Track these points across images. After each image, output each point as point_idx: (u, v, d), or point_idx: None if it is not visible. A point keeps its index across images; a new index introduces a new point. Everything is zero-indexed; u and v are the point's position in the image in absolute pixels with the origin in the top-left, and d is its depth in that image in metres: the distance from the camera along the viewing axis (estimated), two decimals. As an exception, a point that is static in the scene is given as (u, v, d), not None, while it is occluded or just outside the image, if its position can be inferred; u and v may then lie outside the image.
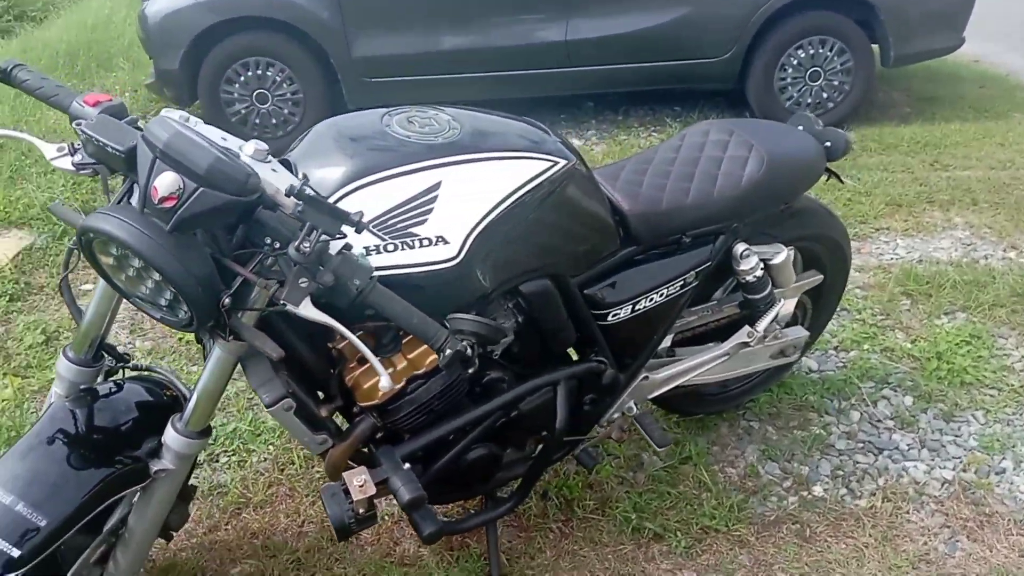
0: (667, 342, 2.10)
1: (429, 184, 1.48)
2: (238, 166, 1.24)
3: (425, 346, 1.60)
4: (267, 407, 1.48)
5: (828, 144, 2.08)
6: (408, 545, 2.08)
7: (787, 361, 2.33)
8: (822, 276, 2.29)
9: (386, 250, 1.45)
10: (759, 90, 4.85)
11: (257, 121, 4.78)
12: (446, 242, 1.49)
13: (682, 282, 1.92)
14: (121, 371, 1.71)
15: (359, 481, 1.55)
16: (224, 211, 1.26)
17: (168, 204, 1.24)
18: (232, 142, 1.40)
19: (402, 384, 1.61)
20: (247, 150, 1.38)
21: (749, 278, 2.02)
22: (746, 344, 2.12)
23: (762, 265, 2.03)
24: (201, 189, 1.23)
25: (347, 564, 2.04)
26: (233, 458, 2.38)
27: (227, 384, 1.54)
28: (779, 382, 2.59)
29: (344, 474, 1.57)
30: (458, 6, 4.67)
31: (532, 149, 1.62)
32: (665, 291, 1.90)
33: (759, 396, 2.55)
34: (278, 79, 4.69)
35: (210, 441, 2.37)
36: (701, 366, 2.12)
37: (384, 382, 1.38)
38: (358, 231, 1.31)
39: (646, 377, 2.05)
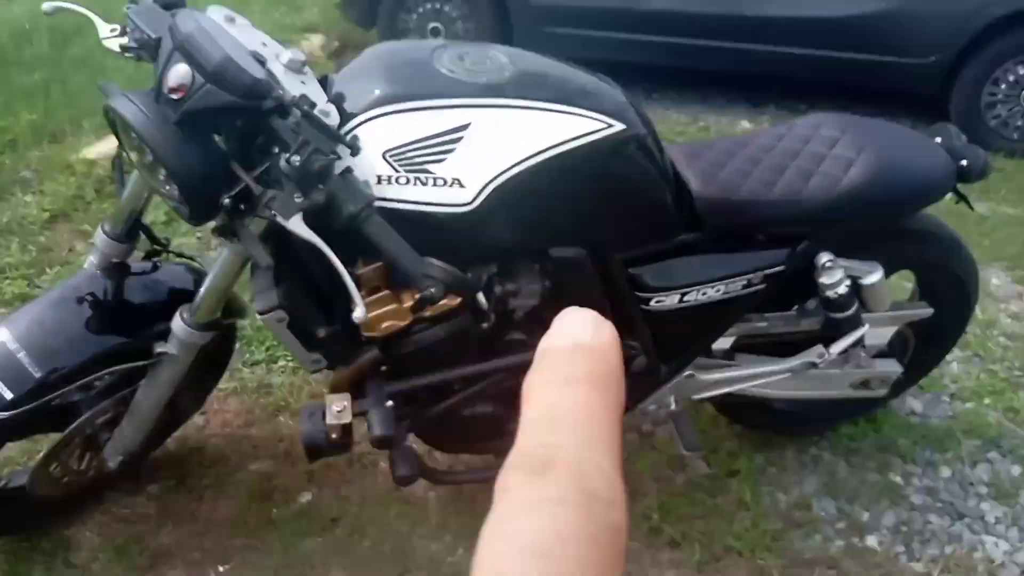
0: (725, 343, 1.92)
1: (457, 123, 1.40)
2: (246, 70, 1.22)
3: (435, 289, 1.54)
4: (258, 314, 1.48)
5: (964, 163, 1.79)
6: (419, 485, 2.06)
7: (871, 395, 2.07)
8: (931, 310, 2.01)
9: (398, 182, 1.39)
10: (963, 102, 4.25)
11: (426, 55, 4.79)
12: (462, 186, 1.40)
13: (745, 282, 1.73)
14: (165, 255, 1.77)
15: (338, 407, 1.52)
16: (229, 111, 1.26)
17: (177, 96, 1.25)
18: (271, 48, 1.39)
19: (408, 322, 1.57)
20: (283, 58, 1.36)
21: (830, 293, 1.80)
22: (814, 365, 1.90)
23: (848, 282, 1.79)
24: (208, 86, 1.23)
25: (354, 487, 2.05)
26: (290, 363, 2.44)
27: (233, 283, 1.55)
28: (868, 415, 2.32)
29: (327, 396, 1.55)
30: (645, -37, 4.44)
31: (586, 106, 1.49)
32: (723, 287, 1.72)
33: (841, 426, 2.31)
34: (454, 15, 4.69)
35: (274, 342, 2.48)
36: (758, 377, 1.93)
37: (358, 312, 1.34)
38: (353, 154, 1.27)
39: (691, 375, 1.89)
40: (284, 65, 1.35)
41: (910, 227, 1.88)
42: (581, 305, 1.65)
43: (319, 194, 1.29)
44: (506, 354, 1.67)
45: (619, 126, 1.50)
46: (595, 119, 1.48)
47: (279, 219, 1.32)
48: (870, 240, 1.82)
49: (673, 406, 1.92)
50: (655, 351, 1.80)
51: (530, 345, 1.67)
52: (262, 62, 1.32)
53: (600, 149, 1.48)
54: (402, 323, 1.57)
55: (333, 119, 1.36)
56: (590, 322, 0.53)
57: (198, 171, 1.31)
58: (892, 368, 2.03)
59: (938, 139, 1.85)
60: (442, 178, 1.40)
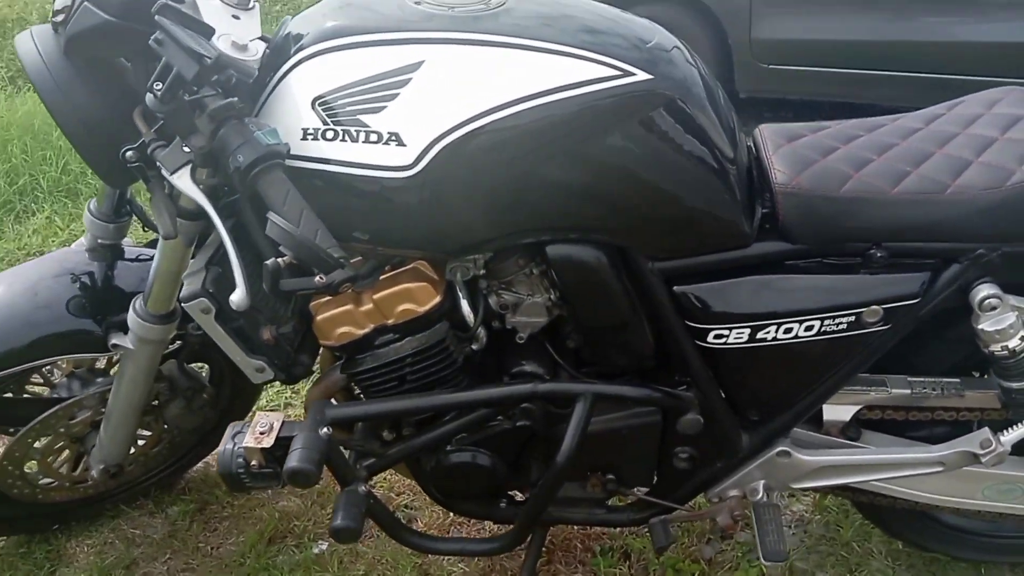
0: (843, 414, 1.35)
1: (405, 63, 1.07)
2: None
3: (396, 289, 1.20)
4: (180, 301, 1.23)
5: None
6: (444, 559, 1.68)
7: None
8: None
9: (324, 137, 1.09)
10: None
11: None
12: (401, 144, 1.07)
13: (853, 318, 1.19)
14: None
15: (263, 427, 1.23)
16: (108, 34, 1.05)
17: (59, 19, 1.08)
18: None
19: (366, 329, 1.24)
20: None
21: (995, 347, 1.19)
22: (975, 457, 1.27)
23: (1026, 332, 1.18)
24: (84, 4, 1.04)
25: (378, 542, 1.71)
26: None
27: (182, 266, 1.32)
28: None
29: (259, 414, 1.26)
30: (895, -12, 3.79)
31: (594, 48, 1.09)
32: (816, 324, 1.20)
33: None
34: (675, 54, 4.36)
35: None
36: (889, 468, 1.34)
37: (236, 296, 1.05)
38: (225, 86, 0.99)
39: (786, 452, 1.34)
40: None
41: None
42: (607, 330, 1.21)
43: (198, 138, 1.04)
44: (500, 385, 1.28)
45: (641, 76, 1.08)
46: (603, 63, 1.08)
47: (163, 172, 1.09)
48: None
49: (760, 495, 1.38)
50: (727, 411, 1.31)
51: (535, 376, 1.27)
52: None
53: (609, 105, 1.07)
54: (360, 331, 1.24)
55: (251, 54, 1.10)
56: None
57: (87, 114, 1.11)
58: (1126, 482, 1.33)
59: None
60: (376, 132, 1.07)
